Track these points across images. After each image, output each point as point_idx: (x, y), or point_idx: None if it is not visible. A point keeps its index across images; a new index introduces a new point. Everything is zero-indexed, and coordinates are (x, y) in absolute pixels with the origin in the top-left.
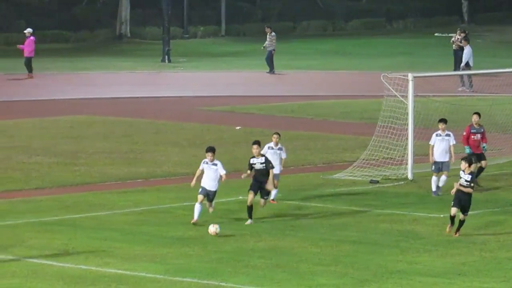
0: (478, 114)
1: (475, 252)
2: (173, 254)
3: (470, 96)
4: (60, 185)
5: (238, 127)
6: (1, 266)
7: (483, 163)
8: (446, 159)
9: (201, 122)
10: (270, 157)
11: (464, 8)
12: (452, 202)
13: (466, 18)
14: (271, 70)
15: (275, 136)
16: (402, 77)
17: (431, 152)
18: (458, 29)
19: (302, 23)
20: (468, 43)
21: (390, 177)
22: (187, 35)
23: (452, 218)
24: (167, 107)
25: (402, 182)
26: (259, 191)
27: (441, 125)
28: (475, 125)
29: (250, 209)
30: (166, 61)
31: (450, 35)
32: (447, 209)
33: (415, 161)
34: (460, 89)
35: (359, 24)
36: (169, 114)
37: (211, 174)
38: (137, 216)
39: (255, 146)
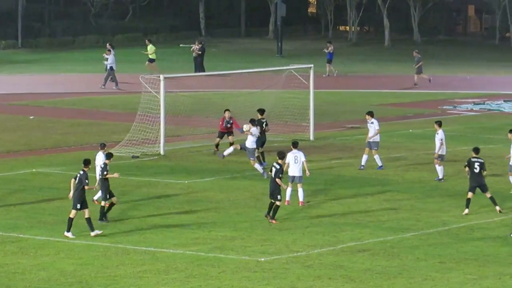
0: (229, 110)
1: (211, 208)
2: None
3: (215, 91)
4: None
5: (32, 117)
6: None
7: (230, 138)
8: (301, 174)
9: (3, 113)
10: None
11: (202, 25)
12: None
13: (203, 32)
14: None
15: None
16: (155, 77)
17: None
18: (197, 40)
19: (80, 37)
20: (113, 51)
21: (147, 153)
22: None
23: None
24: None
25: (156, 157)
26: None
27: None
28: (227, 118)
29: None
30: None
31: (191, 45)
32: (191, 176)
33: (166, 141)
34: (113, 87)
35: (123, 38)
36: None
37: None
38: None
39: None
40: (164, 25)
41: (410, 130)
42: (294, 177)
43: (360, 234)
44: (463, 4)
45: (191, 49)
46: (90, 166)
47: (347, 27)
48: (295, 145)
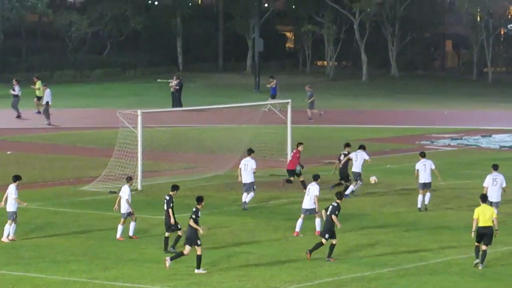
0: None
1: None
2: None
3: (192, 126)
4: None
5: (8, 152)
6: None
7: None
8: (313, 206)
9: None
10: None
11: (180, 60)
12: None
13: (181, 67)
14: None
15: None
16: (133, 113)
17: None
18: (175, 75)
19: (57, 72)
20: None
21: None
22: None
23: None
24: None
25: (134, 192)
26: None
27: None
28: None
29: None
30: None
31: (168, 80)
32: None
33: (143, 176)
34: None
35: (101, 73)
36: None
37: None
38: None
39: None
40: (141, 60)
41: (388, 166)
42: (306, 210)
43: (337, 270)
44: (441, 39)
45: (169, 84)
46: (203, 203)
47: (325, 62)
48: (315, 178)
